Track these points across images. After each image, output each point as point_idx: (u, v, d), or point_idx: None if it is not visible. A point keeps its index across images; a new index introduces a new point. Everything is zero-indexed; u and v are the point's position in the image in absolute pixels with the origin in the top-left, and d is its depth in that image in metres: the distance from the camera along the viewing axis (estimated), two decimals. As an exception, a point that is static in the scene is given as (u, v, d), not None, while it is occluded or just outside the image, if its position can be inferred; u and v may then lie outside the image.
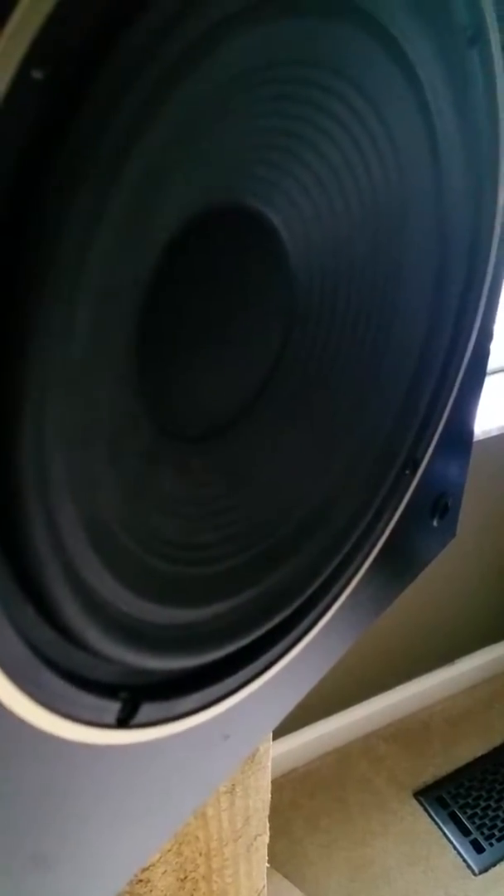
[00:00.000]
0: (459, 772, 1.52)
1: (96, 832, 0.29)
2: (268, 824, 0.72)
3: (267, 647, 0.34)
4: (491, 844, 1.40)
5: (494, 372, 1.40)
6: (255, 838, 0.74)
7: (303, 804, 1.47)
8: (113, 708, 0.26)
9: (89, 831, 0.29)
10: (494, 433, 1.25)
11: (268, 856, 0.72)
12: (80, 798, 0.27)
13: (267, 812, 0.72)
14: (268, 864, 0.73)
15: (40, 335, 0.18)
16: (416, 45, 0.27)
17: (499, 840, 1.41)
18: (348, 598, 0.40)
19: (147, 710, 0.28)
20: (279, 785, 1.49)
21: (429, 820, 1.45)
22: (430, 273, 0.35)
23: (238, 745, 0.37)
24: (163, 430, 0.28)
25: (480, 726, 1.63)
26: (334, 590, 0.38)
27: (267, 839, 0.73)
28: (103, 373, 0.23)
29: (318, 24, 0.23)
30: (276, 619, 0.34)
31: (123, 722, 0.27)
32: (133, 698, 0.27)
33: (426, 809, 1.46)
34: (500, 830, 1.42)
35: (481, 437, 1.24)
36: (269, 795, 0.70)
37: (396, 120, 0.28)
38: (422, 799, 1.48)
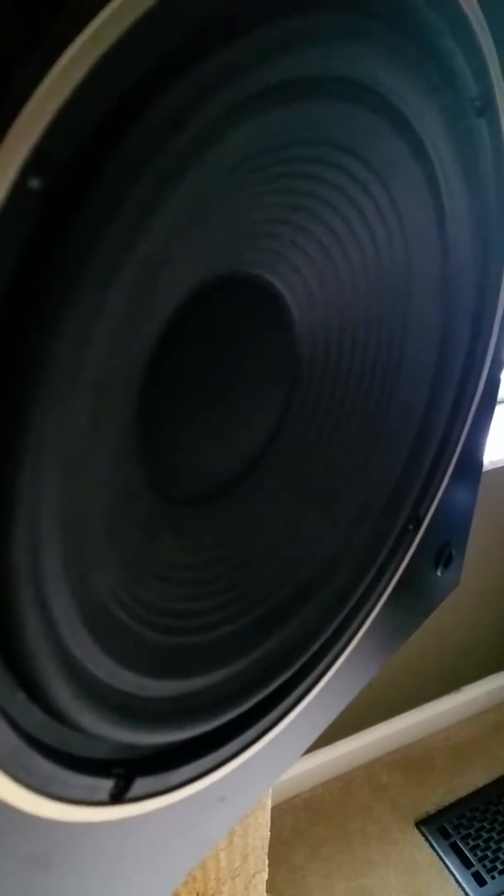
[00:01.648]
0: (462, 802, 1.51)
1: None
2: (266, 861, 0.72)
3: (265, 711, 0.33)
4: (493, 877, 1.38)
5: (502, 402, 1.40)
6: (254, 875, 0.74)
7: (304, 831, 1.45)
8: (106, 785, 0.26)
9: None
10: (500, 464, 1.24)
11: (268, 884, 0.71)
12: (70, 871, 0.27)
13: (266, 849, 0.71)
14: (267, 892, 0.72)
15: (35, 435, 0.18)
16: (424, 117, 0.27)
17: (501, 873, 1.39)
18: (349, 656, 0.39)
19: (141, 784, 0.27)
20: (281, 811, 1.48)
21: (430, 850, 1.43)
22: (435, 335, 0.35)
23: (235, 805, 0.37)
24: (163, 496, 0.28)
25: (484, 755, 1.61)
26: (334, 650, 0.37)
27: (266, 876, 0.72)
28: (102, 454, 0.23)
29: (323, 107, 0.23)
30: (276, 684, 0.33)
31: (116, 798, 0.26)
32: (127, 774, 0.27)
33: (428, 839, 1.45)
34: (502, 863, 1.40)
35: (486, 468, 1.24)
36: (269, 832, 0.69)
37: (402, 190, 0.28)
38: (423, 829, 1.46)
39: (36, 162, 0.16)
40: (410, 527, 0.41)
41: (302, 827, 1.45)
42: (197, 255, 0.23)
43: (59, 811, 0.24)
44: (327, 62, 0.23)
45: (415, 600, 0.46)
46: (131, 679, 0.25)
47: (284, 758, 0.39)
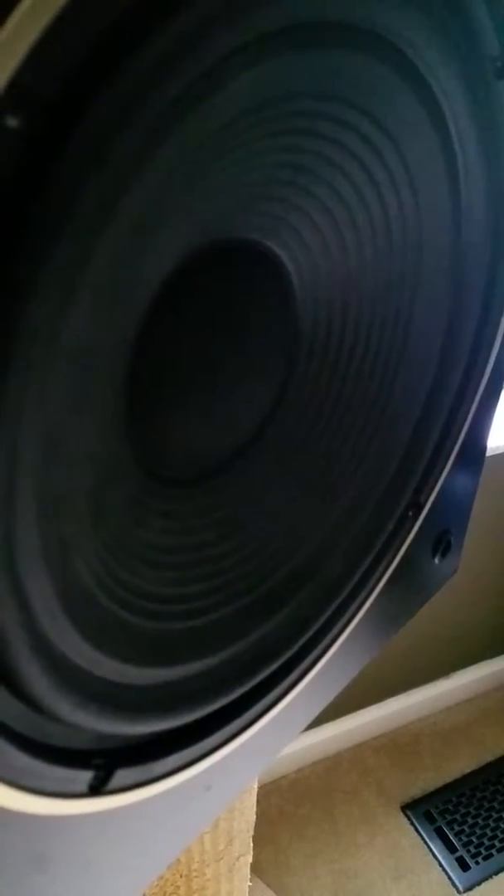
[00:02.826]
0: (448, 787, 1.51)
1: (66, 893, 0.28)
2: (251, 844, 0.71)
3: (254, 700, 0.32)
4: (477, 863, 1.39)
5: None
6: (238, 858, 0.73)
7: (289, 812, 1.46)
8: (85, 777, 0.24)
9: (59, 893, 0.27)
10: (498, 450, 1.23)
11: (252, 864, 0.71)
12: (45, 862, 0.26)
13: (251, 833, 0.70)
14: (251, 872, 0.71)
15: (9, 404, 0.16)
16: (441, 76, 0.25)
17: (485, 858, 1.39)
18: (341, 644, 0.38)
19: (122, 775, 0.26)
20: (266, 791, 1.48)
21: (415, 834, 1.44)
22: (444, 311, 0.33)
23: (222, 793, 0.35)
24: (151, 475, 0.26)
25: (472, 742, 1.61)
26: (327, 638, 0.36)
27: (250, 859, 0.72)
28: (85, 428, 0.21)
29: (333, 57, 0.21)
30: (265, 673, 0.32)
31: (96, 789, 0.25)
32: (107, 765, 0.25)
33: (413, 824, 1.45)
34: (486, 849, 1.41)
35: (489, 454, 1.22)
36: (254, 816, 0.68)
37: (415, 155, 0.27)
38: (409, 813, 1.46)
39: (12, 96, 0.14)
40: (410, 513, 0.40)
41: (287, 808, 1.46)
42: (192, 214, 0.21)
43: (34, 804, 0.23)
44: (338, 6, 0.21)
45: (411, 588, 0.45)
46: (113, 667, 0.24)
47: (274, 745, 0.38)
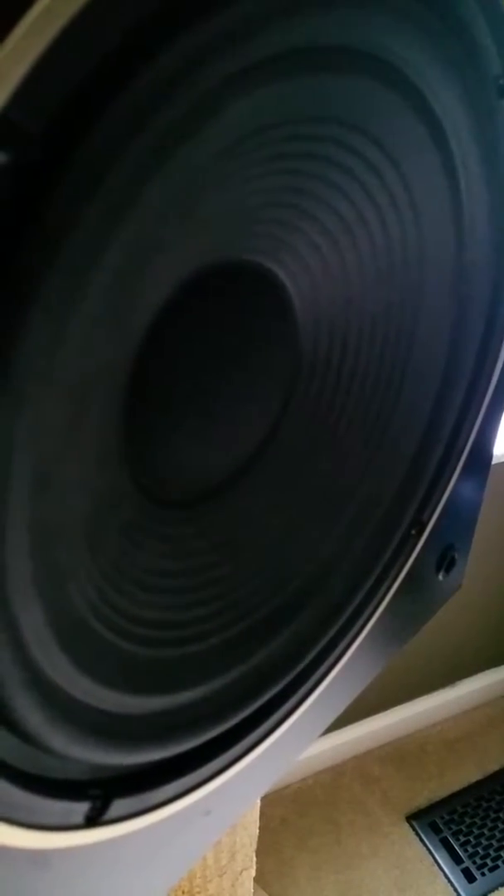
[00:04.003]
0: (454, 797, 1.50)
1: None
2: (254, 858, 0.70)
3: (255, 724, 0.32)
4: (483, 874, 1.37)
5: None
6: (241, 873, 0.72)
7: (294, 822, 1.45)
8: (81, 808, 0.24)
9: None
10: (499, 459, 1.22)
11: (256, 876, 0.70)
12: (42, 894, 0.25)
13: (254, 846, 0.70)
14: (255, 883, 0.71)
15: (4, 433, 0.16)
16: (442, 96, 0.25)
17: (491, 870, 1.38)
18: (345, 664, 0.37)
19: (119, 805, 0.26)
20: (270, 801, 1.47)
21: (420, 845, 1.42)
22: (447, 328, 0.33)
23: (222, 818, 0.35)
24: (150, 499, 0.26)
25: (477, 751, 1.60)
26: (330, 659, 0.35)
27: (253, 872, 0.71)
28: (81, 457, 0.21)
29: (333, 80, 0.21)
30: (266, 697, 0.31)
31: (93, 820, 0.25)
32: (104, 795, 0.25)
33: (418, 834, 1.44)
34: (492, 860, 1.40)
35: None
36: (257, 830, 0.68)
37: (417, 175, 0.26)
38: (414, 823, 1.45)
39: (0, 132, 0.14)
40: (413, 531, 0.39)
41: (291, 818, 1.45)
42: (190, 240, 0.21)
43: (29, 839, 0.22)
44: (336, 30, 0.20)
45: (415, 605, 0.45)
46: (110, 697, 0.23)
47: (275, 768, 0.37)
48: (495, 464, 1.24)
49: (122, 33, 0.15)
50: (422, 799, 1.50)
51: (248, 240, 0.24)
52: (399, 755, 1.58)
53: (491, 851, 1.41)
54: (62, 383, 0.17)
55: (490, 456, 0.45)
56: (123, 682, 0.24)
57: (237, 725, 0.30)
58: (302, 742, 0.38)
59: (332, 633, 0.34)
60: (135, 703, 0.24)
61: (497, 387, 0.41)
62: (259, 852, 0.67)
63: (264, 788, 0.38)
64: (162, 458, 0.27)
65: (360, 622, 0.36)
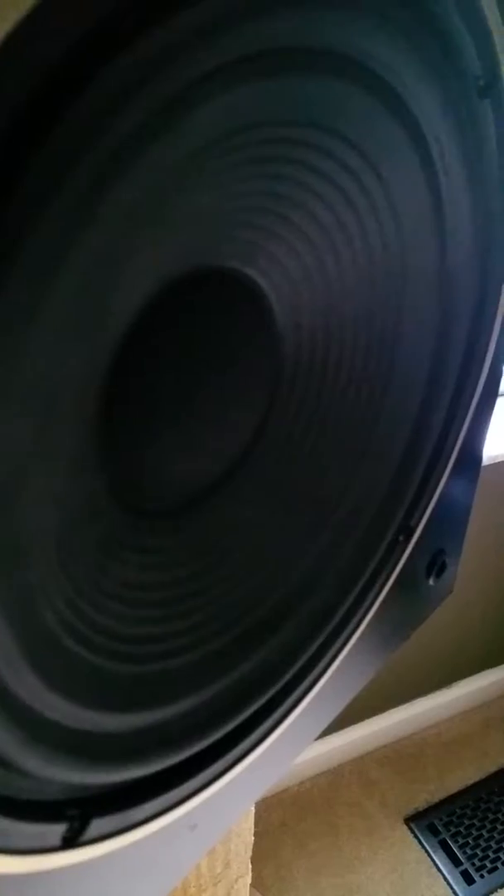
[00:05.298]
0: (452, 798, 1.49)
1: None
2: (250, 865, 0.70)
3: (242, 736, 0.31)
4: (482, 876, 1.37)
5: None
6: (237, 880, 0.72)
7: (292, 826, 1.44)
8: (58, 829, 0.23)
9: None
10: (497, 459, 1.22)
11: (254, 880, 0.69)
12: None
13: (249, 854, 0.69)
14: (253, 888, 0.70)
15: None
16: (421, 97, 0.24)
17: (490, 871, 1.38)
18: (334, 672, 0.37)
19: (99, 824, 0.25)
20: (269, 805, 1.46)
21: (419, 848, 1.42)
22: (431, 331, 0.33)
23: (209, 832, 0.34)
24: (126, 508, 0.25)
25: (475, 752, 1.60)
26: (318, 668, 0.35)
27: (249, 880, 0.70)
28: (51, 468, 0.20)
29: (308, 82, 0.21)
30: (252, 709, 0.31)
31: (70, 841, 0.24)
32: (82, 815, 0.24)
33: (417, 837, 1.43)
34: (491, 861, 1.39)
35: (485, 464, 1.21)
36: (252, 837, 0.67)
37: (396, 179, 0.26)
38: (413, 825, 1.45)
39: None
40: (401, 537, 0.39)
41: (290, 822, 1.44)
42: (163, 245, 0.20)
43: (4, 864, 0.22)
44: (312, 30, 0.20)
45: (404, 611, 0.44)
46: (86, 716, 0.23)
47: (264, 779, 0.36)
48: (494, 464, 1.24)
49: (86, 30, 0.15)
50: (420, 801, 1.50)
51: (225, 245, 0.24)
52: (397, 757, 1.57)
53: (490, 853, 1.40)
54: (26, 391, 0.17)
55: (479, 458, 0.45)
56: (100, 700, 0.23)
57: (223, 738, 0.30)
58: (291, 752, 0.38)
59: (319, 641, 0.33)
60: (113, 721, 0.24)
61: (484, 389, 0.40)
62: (257, 857, 0.66)
63: (253, 800, 0.37)
64: (140, 467, 0.26)
65: (349, 630, 0.36)
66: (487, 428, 0.44)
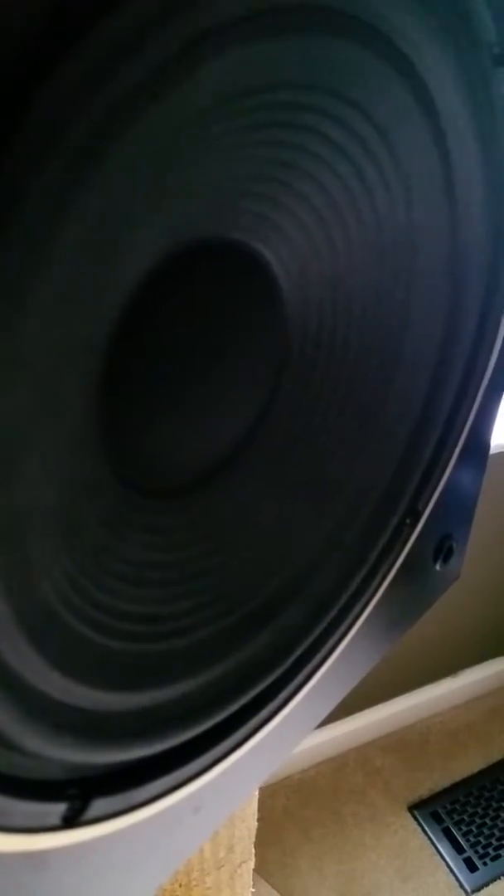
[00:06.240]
0: (456, 787, 1.50)
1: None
2: (253, 850, 0.70)
3: (246, 718, 0.31)
4: (485, 864, 1.37)
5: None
6: (240, 865, 0.72)
7: (296, 813, 1.45)
8: (58, 809, 0.23)
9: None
10: (501, 448, 1.21)
11: (258, 866, 0.69)
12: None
13: (253, 839, 0.69)
14: (257, 874, 0.70)
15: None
16: (433, 66, 0.24)
17: (493, 859, 1.38)
18: (339, 655, 0.36)
19: (100, 805, 0.25)
20: (273, 791, 1.47)
21: (423, 835, 1.42)
22: (441, 311, 0.32)
23: (212, 815, 0.34)
24: (130, 487, 0.25)
25: (480, 740, 1.60)
26: (323, 650, 0.35)
27: (252, 864, 0.70)
28: (52, 442, 0.20)
29: (314, 43, 0.20)
30: (256, 691, 0.31)
31: (70, 820, 0.24)
32: (83, 794, 0.24)
33: (420, 824, 1.43)
34: (494, 849, 1.39)
35: (491, 452, 1.20)
36: (256, 822, 0.67)
37: (407, 149, 0.25)
38: (416, 813, 1.45)
39: None
40: (408, 521, 0.38)
41: (294, 809, 1.44)
42: (164, 212, 0.20)
43: (2, 842, 0.21)
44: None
45: (411, 596, 0.44)
46: (87, 694, 0.22)
47: (268, 762, 0.36)
48: (496, 453, 1.23)
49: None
50: (424, 789, 1.50)
51: (230, 215, 0.23)
52: (402, 745, 1.57)
53: (493, 840, 1.41)
54: (24, 361, 0.16)
55: (488, 443, 0.44)
56: (101, 678, 0.23)
57: (227, 719, 0.29)
58: (296, 735, 0.37)
59: (324, 624, 0.33)
60: (115, 700, 0.23)
61: (494, 372, 0.39)
62: (261, 843, 0.66)
63: (256, 784, 0.37)
64: (145, 446, 0.26)
65: (354, 613, 0.35)
66: (496, 414, 0.43)
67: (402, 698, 1.60)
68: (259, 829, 0.64)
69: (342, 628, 0.35)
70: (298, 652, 0.32)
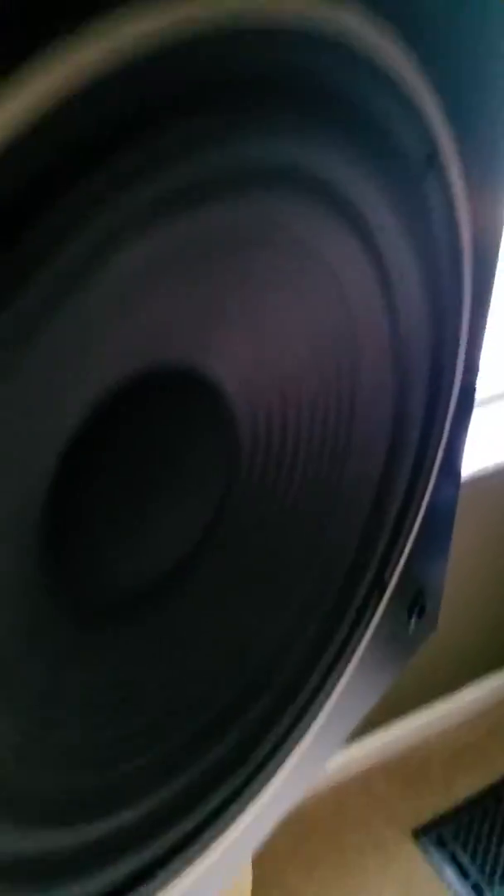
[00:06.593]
0: (459, 809, 1.49)
1: None
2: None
3: (199, 833, 0.30)
4: (492, 889, 1.36)
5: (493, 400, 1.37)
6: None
7: (298, 848, 1.43)
8: None
9: None
10: (494, 468, 1.21)
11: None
12: None
13: (249, 891, 0.68)
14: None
15: None
16: (358, 181, 0.24)
17: (500, 884, 1.37)
18: (312, 734, 0.36)
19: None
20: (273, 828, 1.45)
21: (428, 863, 1.41)
22: (388, 397, 0.32)
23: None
24: (73, 615, 0.25)
25: (481, 758, 1.59)
26: (294, 734, 0.34)
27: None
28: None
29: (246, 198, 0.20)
30: (226, 792, 0.30)
31: None
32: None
33: (425, 851, 1.42)
34: (500, 877, 1.38)
35: (479, 472, 1.21)
36: (250, 885, 0.67)
37: (339, 262, 0.25)
38: (421, 839, 1.44)
39: None
40: (375, 592, 0.38)
41: (296, 843, 1.43)
42: (108, 354, 0.20)
43: None
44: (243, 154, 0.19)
45: (387, 657, 0.44)
46: (36, 835, 0.22)
47: (233, 864, 0.35)
48: (488, 473, 1.23)
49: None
50: (428, 813, 1.49)
51: (171, 336, 0.23)
52: (404, 769, 1.56)
53: (500, 864, 1.40)
54: None
55: (453, 502, 0.44)
56: (33, 817, 0.22)
57: (191, 829, 0.29)
58: (262, 829, 0.37)
59: (296, 710, 0.33)
60: (50, 838, 0.23)
61: (449, 439, 0.40)
62: (262, 885, 0.65)
63: (224, 885, 0.36)
64: (88, 566, 0.25)
65: (326, 691, 0.35)
66: (459, 474, 0.43)
67: (400, 721, 1.59)
68: (260, 870, 0.63)
69: (314, 708, 0.35)
70: (272, 742, 0.32)
